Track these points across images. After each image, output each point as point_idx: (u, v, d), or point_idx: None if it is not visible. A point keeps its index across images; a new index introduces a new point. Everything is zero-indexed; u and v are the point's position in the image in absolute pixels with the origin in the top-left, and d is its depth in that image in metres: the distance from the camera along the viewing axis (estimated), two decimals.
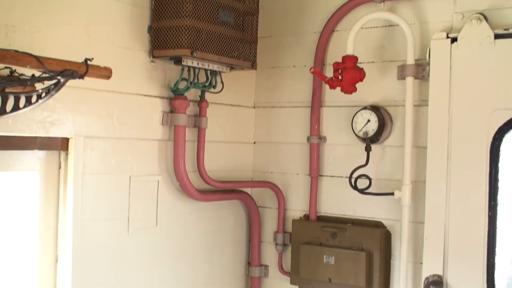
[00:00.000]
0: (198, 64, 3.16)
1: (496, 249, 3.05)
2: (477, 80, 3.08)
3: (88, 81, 2.37)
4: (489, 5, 3.10)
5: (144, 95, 3.13)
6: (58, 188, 2.82)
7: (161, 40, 3.05)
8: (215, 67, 3.28)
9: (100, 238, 2.93)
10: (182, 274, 3.42)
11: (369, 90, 3.41)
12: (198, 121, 3.37)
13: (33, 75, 2.28)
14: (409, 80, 3.24)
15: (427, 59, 3.21)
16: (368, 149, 3.36)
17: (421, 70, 3.25)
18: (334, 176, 3.60)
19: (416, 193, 3.26)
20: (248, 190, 3.82)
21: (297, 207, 3.75)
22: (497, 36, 3.02)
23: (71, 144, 2.78)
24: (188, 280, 3.46)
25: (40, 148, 2.72)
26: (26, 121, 2.53)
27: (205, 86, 3.35)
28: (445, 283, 3.13)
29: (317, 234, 3.53)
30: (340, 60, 3.21)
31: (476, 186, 3.05)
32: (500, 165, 3.05)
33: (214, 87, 3.39)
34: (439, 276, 3.14)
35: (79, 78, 2.26)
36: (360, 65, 3.22)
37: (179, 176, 3.26)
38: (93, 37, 2.83)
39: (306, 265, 3.51)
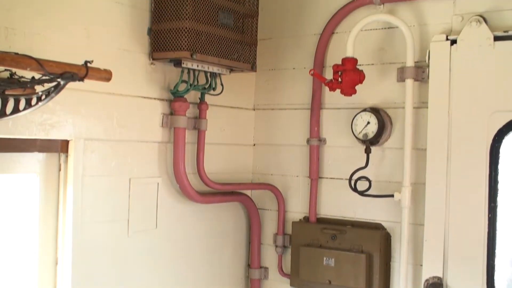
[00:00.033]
0: (198, 66, 3.16)
1: (496, 251, 3.05)
2: (476, 82, 3.08)
3: (88, 83, 2.38)
4: (489, 7, 3.11)
5: (144, 97, 3.13)
6: (58, 190, 2.82)
7: (161, 42, 3.05)
8: (215, 69, 3.28)
9: (100, 240, 2.93)
10: (182, 276, 3.42)
11: (369, 92, 3.41)
12: (198, 123, 3.37)
13: (33, 77, 2.28)
14: (409, 82, 3.24)
15: (427, 61, 3.21)
16: (368, 151, 3.37)
17: (420, 72, 3.25)
18: (334, 178, 3.60)
19: (416, 195, 3.26)
20: (248, 192, 3.82)
21: (297, 209, 3.75)
22: (496, 38, 3.03)
23: (71, 146, 2.79)
24: (188, 282, 3.46)
25: (40, 150, 2.73)
26: (26, 123, 2.54)
27: (205, 88, 3.35)
28: (445, 285, 3.13)
29: (317, 236, 3.53)
30: (339, 62, 3.22)
31: (476, 188, 3.05)
32: (499, 167, 3.05)
33: (214, 89, 3.39)
34: (439, 278, 3.14)
35: (79, 80, 2.27)
36: (360, 67, 3.23)
37: (179, 178, 3.26)
38: (93, 39, 2.83)
39: (306, 267, 3.51)
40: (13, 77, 2.29)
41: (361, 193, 3.37)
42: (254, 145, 3.92)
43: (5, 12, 2.46)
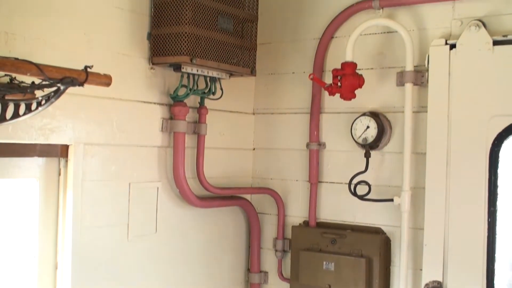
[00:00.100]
0: (197, 71, 3.17)
1: (496, 255, 3.05)
2: (476, 86, 3.08)
3: (87, 88, 2.38)
4: (488, 12, 3.11)
5: (144, 102, 3.13)
6: (58, 195, 2.82)
7: (161, 47, 3.05)
8: (214, 74, 3.28)
9: (99, 245, 2.93)
10: (182, 280, 3.42)
11: (368, 97, 3.42)
12: (197, 128, 3.38)
13: (33, 82, 2.29)
14: (408, 86, 3.25)
15: (426, 65, 3.22)
16: (367, 156, 3.37)
17: (420, 76, 3.26)
18: (333, 183, 3.60)
19: (415, 199, 3.27)
20: (247, 196, 3.82)
21: (296, 214, 3.75)
22: (495, 43, 3.03)
23: (70, 151, 2.79)
24: (188, 286, 3.46)
25: (40, 155, 2.73)
26: (26, 128, 2.54)
27: (204, 92, 3.36)
28: None
29: (316, 240, 3.53)
30: (339, 66, 3.22)
31: (476, 192, 3.06)
32: (499, 171, 3.05)
33: (213, 93, 3.39)
34: (438, 283, 3.13)
35: (79, 85, 2.27)
36: (359, 72, 3.23)
37: (179, 183, 3.26)
38: (93, 44, 2.84)
39: (305, 271, 3.51)
40: (13, 82, 2.29)
41: (361, 198, 3.37)
42: (254, 149, 3.92)
43: (5, 17, 2.47)
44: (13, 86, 2.27)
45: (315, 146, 3.62)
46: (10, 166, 2.66)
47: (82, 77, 2.27)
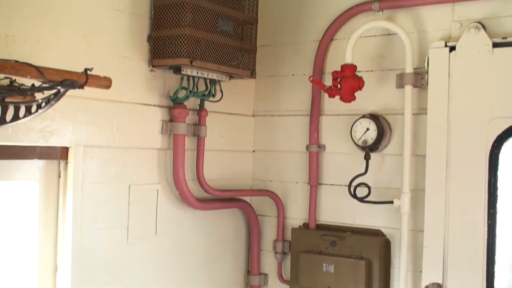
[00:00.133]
0: (197, 73, 3.17)
1: (496, 257, 3.05)
2: (475, 88, 3.09)
3: (87, 90, 2.38)
4: (487, 14, 3.12)
5: (144, 104, 3.14)
6: (58, 197, 2.82)
7: (161, 49, 3.06)
8: (214, 76, 3.28)
9: (99, 247, 2.93)
10: (182, 282, 3.42)
11: (368, 99, 3.42)
12: (197, 130, 3.38)
13: (33, 84, 2.29)
14: (408, 88, 3.25)
15: (426, 67, 3.22)
16: (367, 158, 3.37)
17: (419, 78, 3.26)
18: (333, 185, 3.60)
19: (415, 202, 3.27)
20: (247, 198, 3.82)
21: (296, 216, 3.75)
22: (495, 45, 3.04)
23: (70, 153, 2.79)
24: None
25: (40, 157, 2.73)
26: (26, 130, 2.54)
27: (204, 95, 3.36)
28: None
29: (316, 242, 3.53)
30: (339, 68, 3.22)
31: (475, 194, 3.06)
32: (499, 173, 3.05)
33: (213, 96, 3.40)
34: (438, 285, 3.13)
35: (79, 88, 2.27)
36: (359, 74, 3.23)
37: (179, 185, 3.26)
38: (93, 46, 2.84)
39: (305, 273, 3.51)
40: (13, 84, 2.30)
41: (361, 200, 3.37)
42: (254, 151, 3.92)
43: (5, 19, 2.47)
44: (13, 88, 2.27)
45: (315, 148, 3.62)
46: (10, 168, 2.66)
47: (82, 79, 2.28)
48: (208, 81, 3.35)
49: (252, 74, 3.42)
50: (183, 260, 3.42)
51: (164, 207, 3.27)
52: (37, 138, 2.60)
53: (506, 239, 3.16)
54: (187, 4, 2.97)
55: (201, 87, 3.33)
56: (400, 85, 3.30)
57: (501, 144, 3.04)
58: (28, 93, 2.27)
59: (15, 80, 2.30)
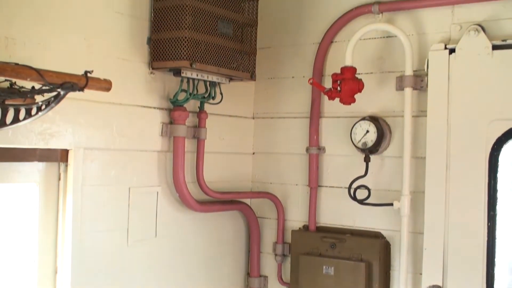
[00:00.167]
0: (197, 75, 3.17)
1: (496, 259, 3.05)
2: (475, 91, 3.09)
3: (87, 92, 2.38)
4: (487, 16, 3.12)
5: (144, 107, 3.14)
6: (58, 200, 2.82)
7: (161, 51, 3.06)
8: (214, 78, 3.29)
9: (99, 250, 2.93)
10: (182, 285, 3.41)
11: (368, 101, 3.42)
12: (197, 132, 3.38)
13: (33, 87, 2.29)
14: (408, 91, 3.25)
15: (426, 70, 3.23)
16: (367, 160, 3.37)
17: (419, 81, 3.27)
18: (333, 187, 3.60)
19: (415, 204, 3.27)
20: (247, 200, 3.82)
21: (296, 218, 3.75)
22: (494, 47, 3.04)
23: (70, 155, 2.79)
24: None
25: (40, 160, 2.73)
26: (26, 133, 2.54)
27: (204, 97, 3.36)
28: None
29: (316, 244, 3.53)
30: (338, 71, 3.22)
31: (475, 196, 3.06)
32: (499, 175, 3.05)
33: (213, 98, 3.40)
34: (438, 287, 3.13)
35: (79, 90, 2.27)
36: (359, 76, 3.24)
37: (179, 187, 3.26)
38: (93, 49, 2.84)
39: (305, 276, 3.51)
40: (13, 87, 2.29)
41: (361, 202, 3.37)
42: (254, 153, 3.92)
43: (5, 22, 2.47)
44: (13, 91, 2.27)
45: (314, 151, 3.62)
46: (10, 171, 2.66)
47: (82, 82, 2.27)
48: (208, 83, 3.35)
49: (252, 76, 3.42)
50: (183, 262, 3.42)
51: (164, 209, 3.27)
52: (37, 140, 2.60)
53: (506, 241, 3.16)
54: (187, 6, 2.98)
55: (201, 89, 3.34)
56: (400, 87, 3.31)
57: (501, 146, 3.04)
58: (28, 95, 2.27)
59: (15, 82, 2.30)
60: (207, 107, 3.42)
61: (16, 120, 2.27)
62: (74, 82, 2.24)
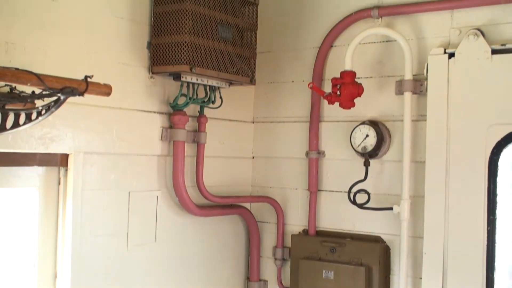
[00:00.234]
0: (197, 80, 3.18)
1: (495, 263, 3.05)
2: (474, 95, 3.09)
3: (87, 97, 2.38)
4: (486, 21, 3.13)
5: (144, 111, 3.14)
6: (58, 204, 2.82)
7: (161, 56, 3.06)
8: (214, 82, 3.29)
9: (99, 254, 2.93)
10: None
11: (368, 105, 3.43)
12: (197, 137, 3.38)
13: (33, 92, 2.29)
14: (407, 95, 3.25)
15: (425, 74, 3.23)
16: (366, 164, 3.37)
17: (419, 85, 3.27)
18: (333, 191, 3.60)
19: (415, 208, 3.27)
20: (247, 205, 3.82)
21: (296, 222, 3.75)
22: (494, 52, 3.05)
23: (70, 160, 2.79)
24: None
25: (40, 164, 2.73)
26: (26, 137, 2.54)
27: (204, 101, 3.36)
28: None
29: (316, 249, 3.53)
30: (338, 75, 3.23)
31: (475, 200, 3.06)
32: (498, 179, 3.05)
33: (213, 102, 3.40)
34: None
35: (79, 95, 2.27)
36: (358, 80, 3.24)
37: (178, 192, 3.26)
38: (93, 53, 2.85)
39: (305, 280, 3.51)
40: (13, 91, 2.30)
41: (360, 206, 3.37)
42: (253, 158, 3.92)
43: (5, 27, 2.48)
44: (13, 95, 2.28)
45: (314, 155, 3.62)
46: (10, 175, 2.66)
47: (82, 87, 2.28)
48: (207, 87, 3.35)
49: (252, 81, 3.42)
50: (183, 266, 3.42)
51: (164, 213, 3.27)
52: (37, 145, 2.60)
53: (506, 246, 3.16)
54: (187, 11, 2.98)
55: (201, 93, 3.34)
56: (400, 91, 3.31)
57: (500, 151, 3.04)
58: (28, 100, 2.28)
59: (15, 87, 2.30)
60: (207, 111, 3.42)
61: (16, 124, 2.27)
62: (74, 87, 2.24)
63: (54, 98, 2.27)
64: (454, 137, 3.12)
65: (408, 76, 3.25)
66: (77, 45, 2.78)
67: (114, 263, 3.00)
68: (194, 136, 3.38)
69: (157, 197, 3.23)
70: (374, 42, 3.47)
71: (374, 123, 3.39)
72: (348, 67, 3.22)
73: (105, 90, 2.39)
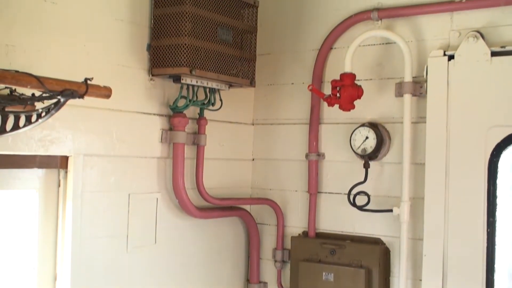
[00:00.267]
0: (197, 82, 3.18)
1: (495, 265, 3.05)
2: (474, 97, 3.10)
3: (87, 99, 2.38)
4: (486, 23, 3.13)
5: (143, 113, 3.14)
6: (58, 206, 2.82)
7: (160, 58, 3.07)
8: (214, 85, 3.29)
9: (99, 256, 2.93)
10: None
11: (367, 107, 3.43)
12: (197, 139, 3.38)
13: (33, 94, 2.29)
14: (407, 97, 3.26)
15: (425, 76, 3.23)
16: (366, 166, 3.37)
17: (418, 87, 3.27)
18: (332, 193, 3.60)
19: (414, 210, 3.27)
20: (247, 207, 3.82)
21: (296, 224, 3.75)
22: (493, 54, 3.05)
23: (70, 162, 2.79)
24: None
25: (40, 167, 2.73)
26: (26, 139, 2.54)
27: (204, 103, 3.37)
28: None
29: (316, 251, 3.53)
30: (338, 77, 3.23)
31: (475, 202, 3.06)
32: (498, 181, 3.06)
33: (213, 104, 3.40)
34: None
35: (79, 97, 2.27)
36: (358, 83, 3.24)
37: (178, 194, 3.26)
38: (93, 55, 2.85)
39: (305, 282, 3.50)
40: (13, 94, 2.30)
41: (360, 208, 3.37)
42: (253, 160, 3.92)
43: (5, 29, 2.48)
44: (13, 98, 2.28)
45: (314, 157, 3.62)
46: (10, 177, 2.66)
47: (82, 89, 2.28)
48: (207, 90, 3.36)
49: (252, 83, 3.42)
50: (183, 268, 3.42)
51: (164, 215, 3.27)
52: (37, 147, 2.61)
53: (506, 248, 3.16)
54: (186, 13, 2.99)
55: (201, 96, 3.34)
56: (399, 93, 3.31)
57: (500, 153, 3.05)
58: (28, 102, 2.28)
59: (15, 89, 2.30)
60: (206, 113, 3.42)
61: (16, 127, 2.27)
62: (74, 89, 2.24)
63: (54, 100, 2.27)
64: (454, 139, 3.12)
65: (408, 78, 3.25)
66: (77, 47, 2.79)
67: (114, 265, 3.00)
68: (194, 138, 3.38)
69: (157, 199, 3.23)
70: (374, 44, 3.48)
71: (374, 125, 3.39)
72: (348, 69, 3.22)
73: (105, 92, 2.39)
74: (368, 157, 3.37)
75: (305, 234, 3.68)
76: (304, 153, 3.67)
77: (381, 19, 3.43)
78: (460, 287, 3.09)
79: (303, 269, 3.52)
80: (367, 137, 3.36)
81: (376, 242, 3.43)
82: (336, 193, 3.59)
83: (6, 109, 2.24)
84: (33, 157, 2.68)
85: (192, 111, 3.38)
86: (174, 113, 3.24)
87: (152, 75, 3.14)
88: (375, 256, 3.36)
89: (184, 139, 3.24)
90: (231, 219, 3.76)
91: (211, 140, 3.46)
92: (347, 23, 3.53)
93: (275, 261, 3.78)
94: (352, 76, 3.21)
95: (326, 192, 3.63)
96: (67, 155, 2.78)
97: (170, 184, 3.27)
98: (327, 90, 3.48)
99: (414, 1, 3.34)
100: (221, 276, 3.69)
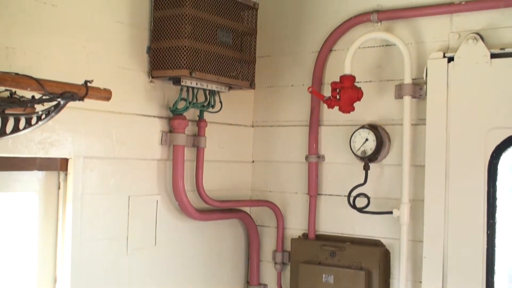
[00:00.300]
0: (197, 84, 3.18)
1: (495, 267, 3.05)
2: (474, 99, 3.10)
3: (87, 101, 2.38)
4: (485, 25, 3.13)
5: (143, 115, 3.14)
6: (57, 209, 2.82)
7: (160, 60, 3.07)
8: (213, 87, 3.29)
9: (99, 258, 2.93)
10: None
11: (367, 109, 3.43)
12: (197, 141, 3.38)
13: (33, 96, 2.29)
14: (407, 99, 3.26)
15: (424, 78, 3.23)
16: (366, 168, 3.37)
17: (418, 89, 3.27)
18: (332, 195, 3.60)
19: (414, 212, 3.27)
20: (247, 209, 3.82)
21: (296, 226, 3.75)
22: (493, 56, 3.05)
23: (70, 164, 2.79)
24: None
25: (40, 169, 2.73)
26: (26, 142, 2.55)
27: (204, 106, 3.37)
28: None
29: (316, 253, 3.53)
30: (338, 79, 3.23)
31: (475, 204, 3.06)
32: (498, 183, 3.06)
33: (212, 106, 3.40)
34: None
35: (79, 100, 2.27)
36: (358, 85, 3.25)
37: (178, 196, 3.26)
38: (93, 58, 2.85)
39: (305, 284, 3.50)
40: (13, 96, 2.30)
41: (360, 210, 3.37)
42: (253, 162, 3.92)
43: (5, 31, 2.48)
44: (13, 100, 2.28)
45: (314, 159, 3.62)
46: (10, 180, 2.66)
47: (82, 91, 2.28)
48: (207, 92, 3.36)
49: (251, 85, 3.43)
50: (183, 270, 3.41)
51: (164, 218, 3.27)
52: (37, 149, 2.61)
53: (506, 249, 3.16)
54: (186, 15, 2.99)
55: (201, 98, 3.34)
56: (399, 95, 3.31)
57: (500, 154, 3.05)
58: (28, 105, 2.28)
59: (15, 92, 2.30)
60: (206, 115, 3.42)
61: (16, 129, 2.28)
62: (74, 91, 2.25)
63: (54, 102, 2.27)
64: (454, 141, 3.13)
65: (408, 80, 3.25)
66: (77, 49, 2.79)
67: (113, 267, 3.00)
68: (194, 140, 3.38)
69: (157, 201, 3.23)
70: (374, 46, 3.48)
71: (373, 127, 3.39)
72: (347, 71, 3.23)
73: (105, 94, 2.39)
74: (368, 159, 3.37)
75: (305, 236, 3.68)
76: (304, 155, 3.67)
77: (380, 21, 3.43)
78: None
79: (303, 271, 3.52)
80: (367, 139, 3.36)
81: (376, 244, 3.42)
82: (336, 195, 3.59)
83: (6, 112, 2.24)
84: (33, 159, 2.68)
85: (192, 113, 3.39)
86: (174, 115, 3.24)
87: (152, 77, 3.14)
88: (375, 258, 3.36)
89: (184, 141, 3.24)
90: (231, 221, 3.76)
91: (211, 142, 3.46)
92: (346, 25, 3.53)
93: (275, 263, 3.78)
94: (351, 78, 3.21)
95: (326, 194, 3.63)
96: (67, 157, 2.78)
97: (170, 186, 3.27)
98: (327, 92, 3.48)
99: (414, 3, 3.34)
100: (221, 278, 3.69)
